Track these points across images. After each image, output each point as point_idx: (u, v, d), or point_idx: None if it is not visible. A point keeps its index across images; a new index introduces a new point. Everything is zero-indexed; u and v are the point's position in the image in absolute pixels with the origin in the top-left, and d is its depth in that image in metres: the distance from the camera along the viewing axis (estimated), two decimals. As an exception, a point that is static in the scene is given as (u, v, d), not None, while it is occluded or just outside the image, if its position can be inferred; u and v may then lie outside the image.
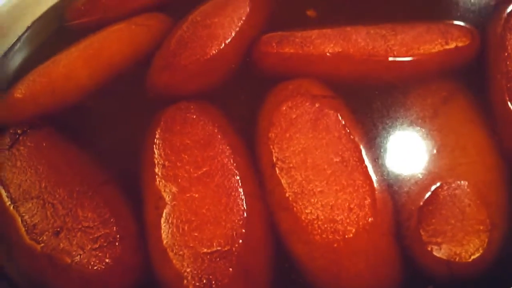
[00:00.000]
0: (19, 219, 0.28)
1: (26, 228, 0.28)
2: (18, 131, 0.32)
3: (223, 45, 0.38)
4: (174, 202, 0.28)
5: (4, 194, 0.29)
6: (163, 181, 0.29)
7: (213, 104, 0.34)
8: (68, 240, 0.27)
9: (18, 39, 0.41)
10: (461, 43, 0.35)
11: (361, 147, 0.30)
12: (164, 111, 0.33)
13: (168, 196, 0.28)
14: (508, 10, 0.37)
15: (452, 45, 0.35)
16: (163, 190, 0.29)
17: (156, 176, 0.29)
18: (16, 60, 0.40)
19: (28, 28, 0.42)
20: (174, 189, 0.28)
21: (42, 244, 0.27)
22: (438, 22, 0.37)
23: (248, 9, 0.41)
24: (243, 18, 0.40)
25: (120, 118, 0.35)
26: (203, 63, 0.37)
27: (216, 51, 0.38)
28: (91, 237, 0.27)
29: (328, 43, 0.37)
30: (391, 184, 0.29)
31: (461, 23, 0.37)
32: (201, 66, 0.37)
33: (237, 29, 0.39)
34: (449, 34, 0.35)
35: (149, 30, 0.40)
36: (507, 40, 0.34)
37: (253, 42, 0.39)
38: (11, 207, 0.29)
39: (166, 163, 0.29)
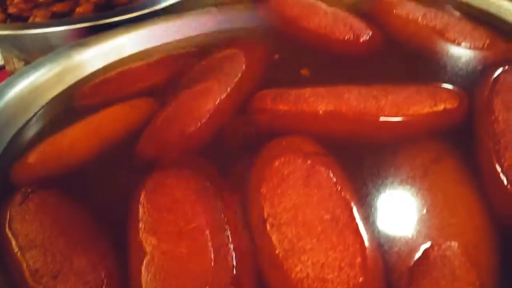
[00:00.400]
0: (24, 264, 0.31)
1: (29, 272, 0.31)
2: (29, 190, 0.36)
3: (218, 100, 0.40)
4: (155, 254, 0.29)
5: (14, 242, 0.33)
6: (145, 234, 0.30)
7: (206, 160, 0.36)
8: (63, 283, 0.30)
9: (34, 115, 0.48)
10: (449, 105, 0.36)
11: (352, 204, 0.30)
12: (150, 175, 0.35)
13: (150, 248, 0.29)
14: (495, 74, 0.39)
15: (440, 107, 0.36)
16: (145, 241, 0.30)
17: (140, 230, 0.31)
18: (31, 131, 0.46)
19: (43, 106, 0.49)
20: (154, 241, 0.30)
21: (41, 286, 0.30)
22: (427, 84, 0.39)
23: (244, 66, 0.43)
24: (239, 75, 0.42)
25: (113, 181, 0.38)
26: (196, 119, 0.39)
27: (211, 106, 0.39)
28: (82, 280, 0.30)
29: (321, 101, 0.38)
30: (381, 244, 0.29)
31: (450, 86, 0.39)
32: (194, 120, 0.39)
33: (233, 85, 0.41)
34: (438, 96, 0.37)
35: (139, 111, 0.45)
36: (494, 104, 0.36)
37: (248, 99, 0.41)
38: (19, 254, 0.32)
39: (150, 219, 0.31)
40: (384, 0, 0.50)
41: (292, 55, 0.47)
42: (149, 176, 0.35)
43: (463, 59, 0.43)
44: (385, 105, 0.37)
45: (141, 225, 0.31)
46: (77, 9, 0.65)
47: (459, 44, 0.43)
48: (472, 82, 0.40)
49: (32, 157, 0.41)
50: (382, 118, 0.37)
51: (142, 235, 0.30)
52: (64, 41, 0.56)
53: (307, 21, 0.49)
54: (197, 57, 0.52)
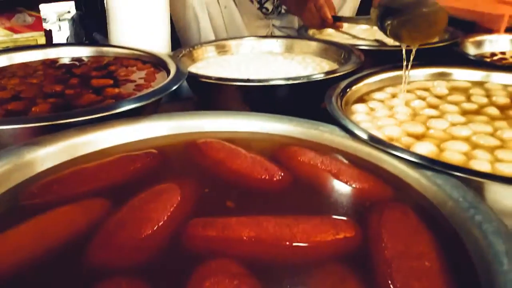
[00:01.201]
0: None
1: None
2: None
3: (156, 227, 0.44)
4: None
5: None
6: None
7: (143, 278, 0.38)
8: None
9: None
10: (348, 234, 0.44)
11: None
12: (99, 284, 0.36)
13: None
14: (380, 210, 0.49)
15: (341, 235, 0.44)
16: None
17: None
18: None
19: None
20: None
21: None
22: (329, 216, 0.48)
23: (179, 198, 0.49)
24: (175, 205, 0.47)
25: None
26: (138, 242, 0.42)
27: (150, 231, 0.43)
28: None
29: (244, 229, 0.44)
30: None
31: (345, 218, 0.48)
32: (135, 245, 0.42)
33: (169, 213, 0.46)
34: (338, 226, 0.45)
35: (90, 212, 0.47)
36: (382, 234, 0.44)
37: (182, 225, 0.45)
38: None
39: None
40: (291, 149, 0.62)
41: (219, 190, 0.54)
42: (99, 285, 0.35)
43: (353, 196, 0.53)
44: (297, 232, 0.44)
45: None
46: (33, 108, 0.66)
47: (350, 184, 0.54)
48: (363, 214, 0.49)
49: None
50: (295, 244, 0.43)
51: None
52: (17, 140, 0.57)
53: (230, 163, 0.58)
54: (153, 158, 0.58)
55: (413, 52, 0.79)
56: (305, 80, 0.82)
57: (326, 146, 0.64)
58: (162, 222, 0.45)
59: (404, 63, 0.81)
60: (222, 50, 1.16)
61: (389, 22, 0.76)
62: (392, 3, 0.78)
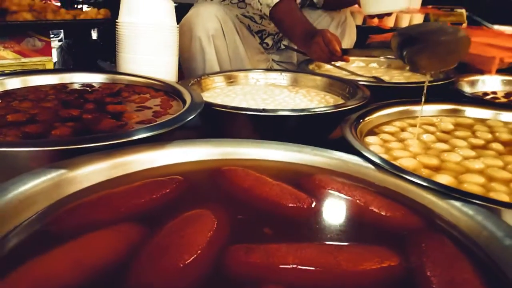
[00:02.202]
0: None
1: None
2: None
3: (197, 252, 0.43)
4: None
5: None
6: None
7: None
8: None
9: (4, 237, 0.45)
10: (393, 263, 0.44)
11: None
12: None
13: None
14: (416, 239, 0.49)
15: (386, 263, 0.44)
16: None
17: None
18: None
19: (15, 228, 0.47)
20: None
21: None
22: (370, 245, 0.48)
23: (215, 224, 0.48)
24: (212, 231, 0.46)
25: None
26: (180, 268, 0.41)
27: (192, 257, 0.42)
28: None
29: (288, 256, 0.43)
30: None
31: (386, 247, 0.48)
32: (178, 270, 0.40)
33: (208, 239, 0.45)
34: (382, 255, 0.45)
35: (127, 238, 0.45)
36: (426, 262, 0.44)
37: (222, 251, 0.44)
38: None
39: None
40: (317, 178, 0.62)
41: (251, 217, 0.53)
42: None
43: (387, 226, 0.53)
44: (341, 260, 0.44)
45: None
46: (54, 132, 0.64)
47: (381, 213, 0.54)
48: (399, 243, 0.49)
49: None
50: (339, 271, 0.43)
51: None
52: (37, 162, 0.56)
53: (259, 190, 0.58)
54: (180, 184, 0.58)
55: (425, 88, 0.82)
56: (321, 111, 0.84)
57: (350, 176, 0.65)
58: (202, 248, 0.44)
59: (423, 98, 0.83)
60: (228, 81, 1.18)
61: (407, 50, 0.78)
62: (411, 31, 0.81)
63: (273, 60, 1.70)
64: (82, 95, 0.88)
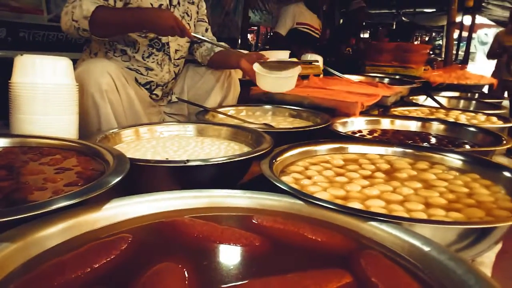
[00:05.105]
0: None
1: None
2: None
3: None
4: None
5: None
6: None
7: None
8: None
9: None
10: (348, 280, 0.52)
11: None
12: None
13: None
14: (355, 257, 0.57)
15: (344, 281, 0.51)
16: None
17: None
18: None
19: None
20: None
21: None
22: (323, 268, 0.55)
23: (185, 274, 0.50)
24: (186, 280, 0.48)
25: None
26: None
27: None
28: None
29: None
30: None
31: (336, 268, 0.55)
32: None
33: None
34: (338, 275, 0.52)
35: None
36: (371, 276, 0.53)
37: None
38: None
39: None
40: (256, 218, 0.68)
41: (211, 261, 0.56)
42: None
43: (328, 250, 0.61)
44: (310, 285, 0.49)
45: None
46: None
47: (320, 240, 0.62)
48: (346, 263, 0.57)
49: None
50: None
51: None
52: None
53: (210, 236, 0.61)
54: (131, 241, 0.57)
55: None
56: (243, 158, 0.91)
57: (284, 212, 0.72)
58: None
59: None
60: (134, 135, 1.17)
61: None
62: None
63: (164, 112, 1.72)
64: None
